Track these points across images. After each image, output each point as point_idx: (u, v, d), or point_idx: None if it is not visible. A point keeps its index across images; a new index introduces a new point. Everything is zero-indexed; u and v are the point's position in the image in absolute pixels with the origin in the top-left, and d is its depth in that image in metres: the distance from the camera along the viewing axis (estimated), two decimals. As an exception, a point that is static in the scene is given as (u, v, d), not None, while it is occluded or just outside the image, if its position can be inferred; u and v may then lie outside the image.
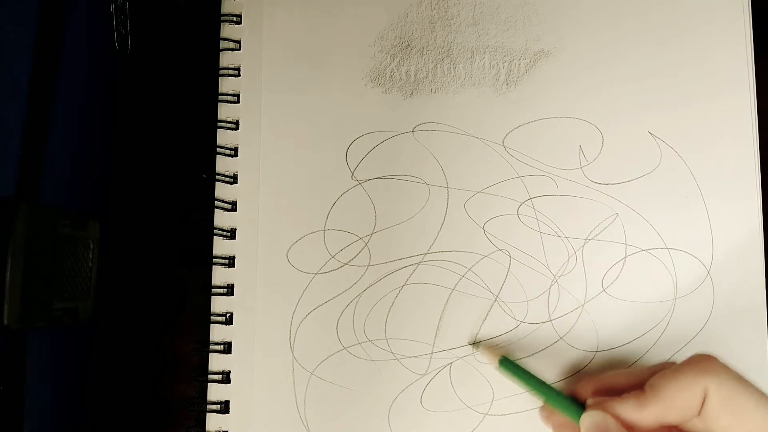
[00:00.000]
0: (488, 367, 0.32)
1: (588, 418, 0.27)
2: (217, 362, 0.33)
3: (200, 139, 0.34)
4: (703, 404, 0.25)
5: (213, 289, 0.33)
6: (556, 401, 0.29)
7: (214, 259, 0.33)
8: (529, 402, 0.32)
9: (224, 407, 0.32)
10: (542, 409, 0.30)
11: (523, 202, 0.33)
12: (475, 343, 0.32)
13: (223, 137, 0.34)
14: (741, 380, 0.25)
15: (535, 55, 0.34)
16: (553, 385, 0.30)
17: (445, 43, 0.34)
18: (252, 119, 0.34)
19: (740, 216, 0.33)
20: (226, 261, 0.33)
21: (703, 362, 0.26)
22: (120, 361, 0.34)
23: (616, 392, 0.28)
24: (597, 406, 0.27)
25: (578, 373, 0.32)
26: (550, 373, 0.32)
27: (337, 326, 0.33)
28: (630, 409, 0.26)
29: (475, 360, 0.32)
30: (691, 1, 0.34)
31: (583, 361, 0.32)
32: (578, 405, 0.28)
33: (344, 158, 0.33)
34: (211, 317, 0.33)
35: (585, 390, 0.29)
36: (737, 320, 0.32)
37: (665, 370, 0.27)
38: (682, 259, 0.33)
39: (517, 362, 0.31)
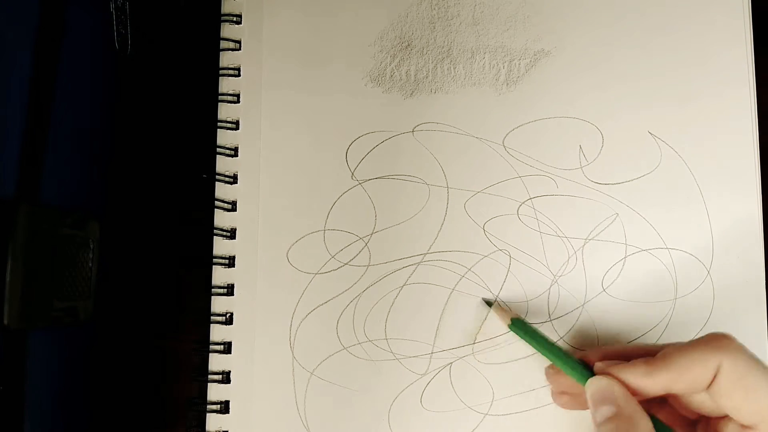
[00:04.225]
0: (488, 367, 0.32)
1: (594, 383, 0.27)
2: (217, 362, 0.33)
3: (200, 139, 0.34)
4: (713, 380, 0.25)
5: (213, 289, 0.33)
6: (565, 363, 0.29)
7: (214, 259, 0.33)
8: (530, 402, 0.32)
9: (224, 407, 0.32)
10: (549, 368, 0.31)
11: (523, 202, 0.33)
12: (488, 303, 0.32)
13: (223, 137, 0.34)
14: (756, 361, 0.25)
15: (535, 55, 0.34)
16: (562, 348, 0.30)
17: (445, 43, 0.34)
18: (252, 119, 0.34)
19: (740, 216, 0.33)
20: (226, 261, 0.33)
21: (719, 340, 0.26)
22: (120, 361, 0.34)
23: (625, 360, 0.27)
24: (604, 370, 0.27)
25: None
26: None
27: (337, 326, 0.33)
28: (638, 375, 0.26)
29: (475, 360, 0.32)
30: (691, 1, 0.34)
31: (583, 361, 0.32)
32: (586, 368, 0.28)
33: (344, 158, 0.33)
34: (211, 317, 0.33)
35: (594, 355, 0.29)
36: (737, 320, 0.32)
37: (678, 343, 0.27)
38: (682, 259, 0.33)
39: (528, 324, 0.31)
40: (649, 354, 0.27)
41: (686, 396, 0.27)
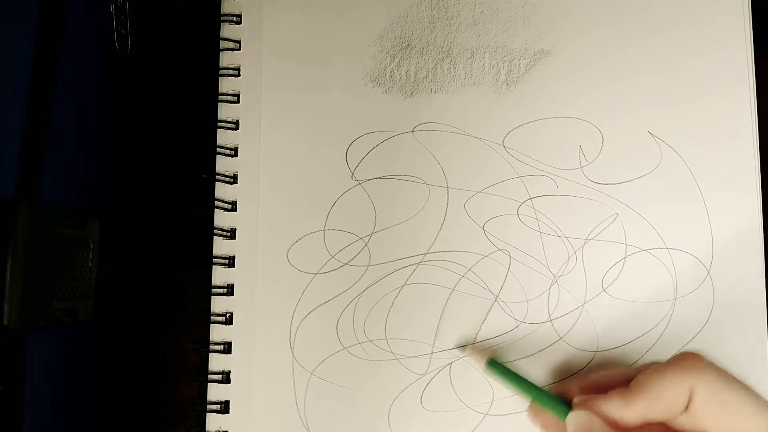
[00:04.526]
0: (488, 367, 0.32)
1: (574, 418, 0.27)
2: (217, 362, 0.33)
3: (200, 139, 0.34)
4: (689, 401, 0.25)
5: (213, 289, 0.33)
6: (544, 401, 0.29)
7: (214, 259, 0.33)
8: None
9: (224, 407, 0.32)
10: (530, 407, 0.31)
11: (523, 202, 0.33)
12: (463, 347, 0.32)
13: (223, 137, 0.34)
14: (727, 377, 0.25)
15: (535, 55, 0.34)
16: (541, 386, 0.30)
17: (445, 43, 0.34)
18: (252, 119, 0.34)
19: (740, 216, 0.33)
20: (226, 261, 0.33)
21: (688, 360, 0.26)
22: (120, 361, 0.34)
23: (603, 391, 0.27)
24: (583, 404, 0.27)
25: (574, 375, 0.32)
26: (550, 373, 0.32)
27: (337, 326, 0.33)
28: (615, 407, 0.26)
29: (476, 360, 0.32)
30: (691, 1, 0.34)
31: (583, 361, 0.32)
32: (565, 404, 0.28)
33: (344, 158, 0.33)
34: (211, 317, 0.33)
35: (572, 389, 0.29)
36: (737, 320, 0.32)
37: (650, 368, 0.27)
38: (682, 259, 0.33)
39: (505, 364, 0.31)
40: (627, 380, 0.27)
41: (666, 420, 0.27)
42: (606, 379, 0.29)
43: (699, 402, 0.25)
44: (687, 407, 0.25)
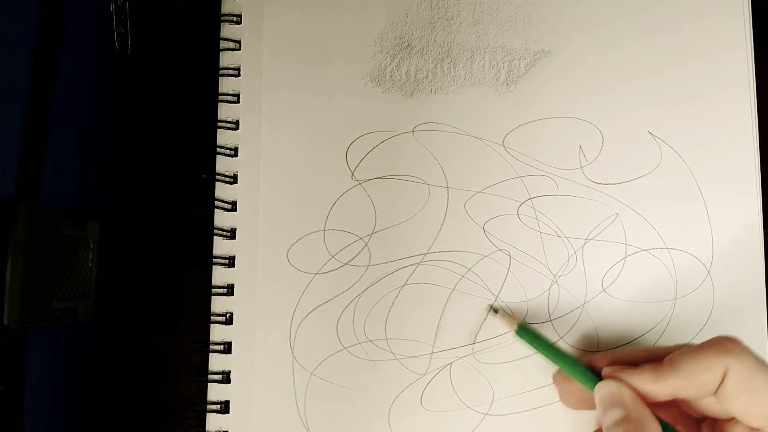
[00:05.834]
0: (488, 367, 0.32)
1: (603, 388, 0.27)
2: (217, 362, 0.33)
3: (200, 139, 0.34)
4: (721, 384, 0.25)
5: (213, 289, 0.33)
6: (572, 369, 0.29)
7: (214, 259, 0.33)
8: (530, 402, 0.32)
9: (224, 407, 0.32)
10: (556, 375, 0.31)
11: (523, 202, 0.33)
12: (494, 310, 0.32)
13: (223, 137, 0.34)
14: (762, 363, 0.25)
15: (535, 55, 0.34)
16: (569, 354, 0.30)
17: (445, 43, 0.34)
18: (252, 119, 0.34)
19: (740, 216, 0.33)
20: (226, 261, 0.33)
21: (725, 343, 0.26)
22: (120, 361, 0.34)
23: (633, 365, 0.27)
24: (613, 375, 0.27)
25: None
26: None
27: (337, 326, 0.33)
28: (646, 380, 0.26)
29: (475, 360, 0.32)
30: (692, 1, 0.34)
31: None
32: (593, 374, 0.28)
33: (344, 158, 0.33)
34: (211, 317, 0.33)
35: (601, 361, 0.29)
36: (737, 320, 0.32)
37: (684, 346, 0.27)
38: (682, 259, 0.33)
39: (534, 330, 0.31)
40: (656, 358, 0.27)
41: (694, 400, 0.27)
42: (634, 356, 0.29)
43: (731, 385, 0.25)
44: (717, 389, 0.25)
